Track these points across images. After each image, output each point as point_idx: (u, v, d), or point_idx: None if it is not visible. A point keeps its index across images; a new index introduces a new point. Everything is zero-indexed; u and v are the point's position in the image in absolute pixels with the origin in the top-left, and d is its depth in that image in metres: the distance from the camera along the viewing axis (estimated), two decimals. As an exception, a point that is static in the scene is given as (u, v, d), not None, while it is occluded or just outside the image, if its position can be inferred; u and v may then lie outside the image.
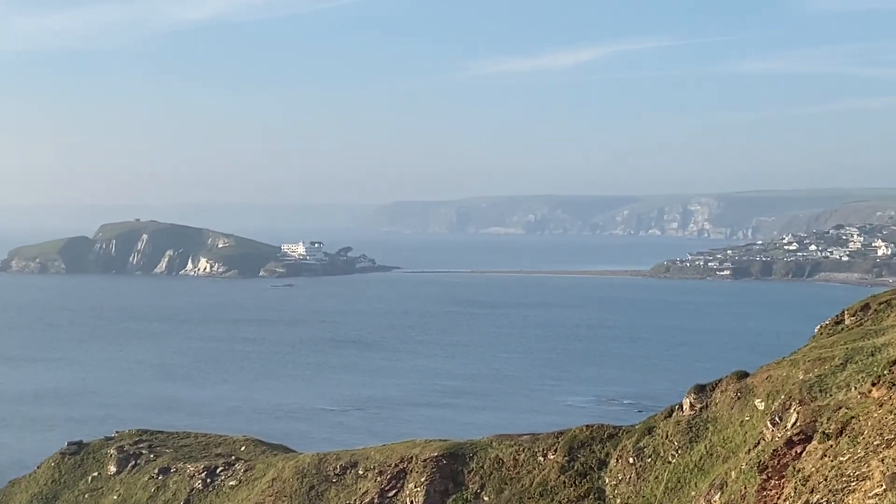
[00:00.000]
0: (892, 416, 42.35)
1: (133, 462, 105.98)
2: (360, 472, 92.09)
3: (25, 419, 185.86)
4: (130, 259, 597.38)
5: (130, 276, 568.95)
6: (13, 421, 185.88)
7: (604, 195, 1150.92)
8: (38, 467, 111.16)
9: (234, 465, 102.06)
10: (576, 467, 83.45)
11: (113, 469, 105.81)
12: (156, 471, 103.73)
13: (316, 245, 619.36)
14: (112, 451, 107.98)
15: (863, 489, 36.68)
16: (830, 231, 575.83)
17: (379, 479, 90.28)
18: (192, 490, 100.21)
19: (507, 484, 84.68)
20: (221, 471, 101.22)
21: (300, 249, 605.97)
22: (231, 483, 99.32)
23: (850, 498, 35.47)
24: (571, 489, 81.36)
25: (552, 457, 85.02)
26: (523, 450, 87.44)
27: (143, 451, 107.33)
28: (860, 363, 67.68)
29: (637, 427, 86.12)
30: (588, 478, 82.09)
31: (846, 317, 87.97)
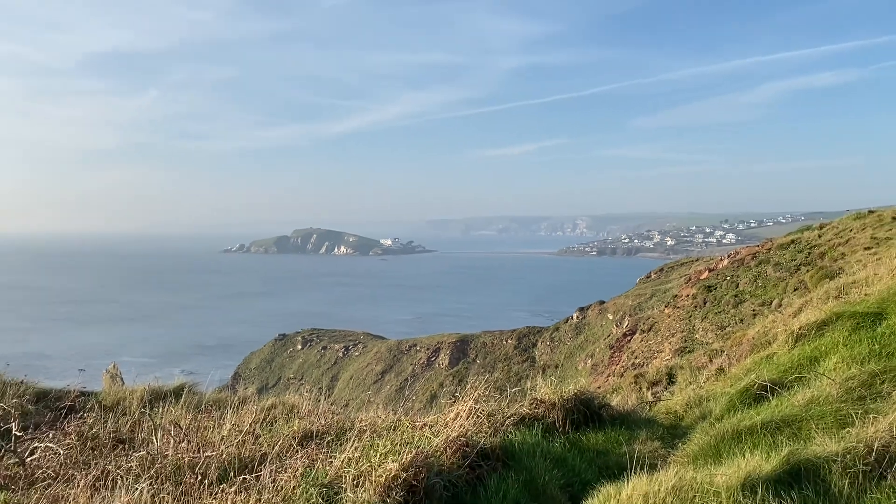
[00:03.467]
0: (675, 323, 42.25)
1: (309, 343, 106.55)
2: (418, 349, 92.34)
3: (256, 322, 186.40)
4: (308, 247, 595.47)
5: (308, 255, 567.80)
6: (254, 322, 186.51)
7: (534, 215, 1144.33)
8: (263, 345, 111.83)
9: (357, 344, 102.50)
10: (521, 346, 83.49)
11: (300, 347, 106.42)
12: (320, 347, 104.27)
13: (396, 239, 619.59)
14: (299, 338, 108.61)
15: (660, 356, 36.67)
16: (644, 232, 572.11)
17: (427, 351, 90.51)
18: (337, 357, 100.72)
19: (488, 355, 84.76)
20: (352, 348, 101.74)
21: (389, 241, 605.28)
22: (356, 354, 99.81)
23: (654, 360, 35.41)
24: (519, 357, 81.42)
25: (510, 342, 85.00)
26: (496, 338, 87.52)
27: (314, 338, 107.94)
28: (659, 296, 67.62)
29: (550, 327, 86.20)
30: (527, 352, 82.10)
31: (652, 274, 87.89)
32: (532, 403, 8.61)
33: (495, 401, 8.53)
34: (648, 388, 15.14)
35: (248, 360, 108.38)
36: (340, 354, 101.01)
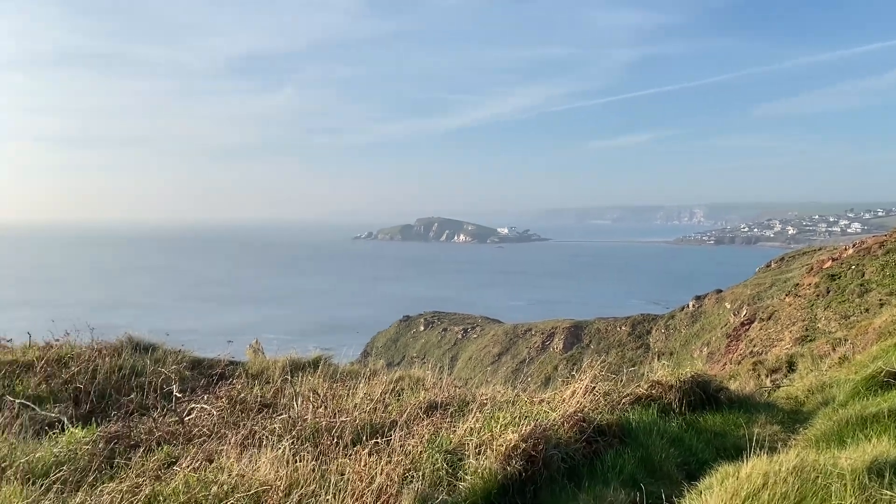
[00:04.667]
0: (796, 312, 40.20)
1: (431, 325, 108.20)
2: (533, 333, 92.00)
3: (383, 304, 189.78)
4: (430, 235, 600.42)
5: (429, 242, 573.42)
6: (381, 304, 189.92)
7: (649, 204, 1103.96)
8: (389, 326, 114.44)
9: (475, 327, 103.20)
10: (636, 333, 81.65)
11: (422, 328, 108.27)
12: (441, 329, 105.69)
13: (512, 228, 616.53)
14: (421, 320, 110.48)
15: (780, 345, 35.01)
16: (764, 221, 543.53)
17: (541, 336, 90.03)
18: (456, 339, 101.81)
19: (602, 340, 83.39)
20: (470, 330, 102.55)
21: (505, 230, 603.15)
22: (474, 336, 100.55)
23: (774, 349, 33.84)
24: (633, 344, 79.67)
25: (624, 328, 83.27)
26: (610, 324, 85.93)
27: (435, 320, 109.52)
28: (779, 286, 64.43)
29: (665, 315, 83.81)
30: (642, 339, 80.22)
31: (772, 263, 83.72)
32: (649, 384, 8.47)
33: (612, 381, 8.45)
34: (767, 376, 14.50)
35: (376, 340, 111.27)
36: (460, 336, 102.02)
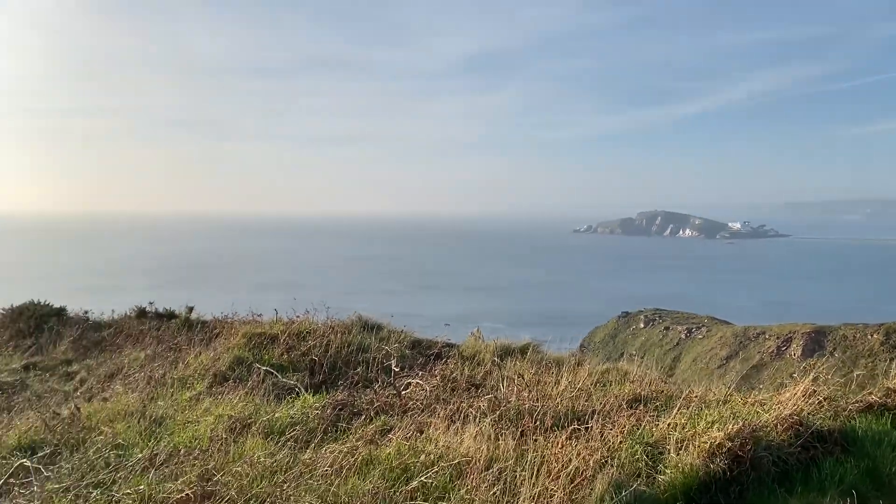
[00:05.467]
0: None
1: (651, 323, 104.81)
2: (766, 336, 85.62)
3: (601, 299, 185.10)
4: (652, 229, 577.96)
5: (651, 237, 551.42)
6: (600, 299, 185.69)
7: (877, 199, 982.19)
8: (608, 321, 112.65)
9: (700, 328, 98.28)
10: (891, 343, 73.06)
11: (642, 325, 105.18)
12: (662, 328, 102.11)
13: (745, 223, 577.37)
14: (641, 317, 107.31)
15: None
16: None
17: (776, 340, 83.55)
18: (679, 339, 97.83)
19: (847, 349, 75.63)
20: (695, 331, 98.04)
21: (737, 225, 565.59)
22: (699, 336, 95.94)
23: None
24: (887, 354, 71.38)
25: (875, 336, 74.70)
26: (859, 332, 77.61)
27: (656, 318, 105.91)
28: None
29: (928, 323, 74.20)
30: (897, 348, 71.82)
31: None
32: (883, 391, 7.75)
33: (838, 385, 7.87)
34: None
35: (593, 334, 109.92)
36: (683, 336, 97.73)
